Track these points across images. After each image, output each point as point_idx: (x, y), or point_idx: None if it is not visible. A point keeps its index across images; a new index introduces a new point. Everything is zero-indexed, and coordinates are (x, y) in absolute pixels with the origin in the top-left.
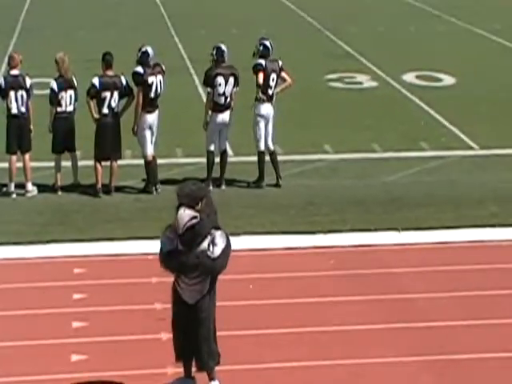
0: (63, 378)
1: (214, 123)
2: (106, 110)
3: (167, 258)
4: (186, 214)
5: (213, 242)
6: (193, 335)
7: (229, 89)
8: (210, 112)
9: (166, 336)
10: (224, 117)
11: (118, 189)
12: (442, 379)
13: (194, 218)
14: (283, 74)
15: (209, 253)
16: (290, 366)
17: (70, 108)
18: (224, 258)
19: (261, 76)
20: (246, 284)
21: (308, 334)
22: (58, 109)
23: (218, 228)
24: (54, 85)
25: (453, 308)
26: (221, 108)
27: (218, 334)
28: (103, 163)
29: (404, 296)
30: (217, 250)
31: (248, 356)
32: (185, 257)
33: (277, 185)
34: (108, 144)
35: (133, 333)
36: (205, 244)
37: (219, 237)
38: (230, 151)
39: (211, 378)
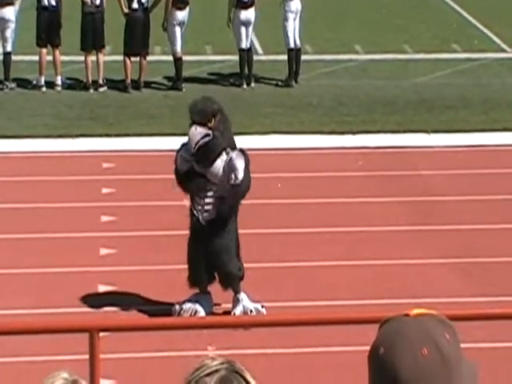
0: (92, 271)
1: (238, 20)
2: (135, 5)
3: (184, 180)
4: (197, 132)
5: (233, 167)
6: (216, 260)
7: None
8: (233, 9)
9: None
10: (248, 14)
11: (147, 85)
12: (469, 280)
13: (207, 135)
14: None
15: (232, 182)
16: (316, 265)
17: (97, 2)
18: (246, 178)
19: None
20: (274, 183)
21: (335, 234)
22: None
23: (233, 147)
24: None
25: (481, 211)
26: (244, 5)
27: (246, 231)
28: (132, 58)
29: (432, 198)
30: (239, 175)
31: (274, 255)
32: (199, 178)
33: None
34: (137, 39)
35: (161, 228)
36: (219, 162)
37: (237, 158)
38: (259, 49)
39: (236, 292)
